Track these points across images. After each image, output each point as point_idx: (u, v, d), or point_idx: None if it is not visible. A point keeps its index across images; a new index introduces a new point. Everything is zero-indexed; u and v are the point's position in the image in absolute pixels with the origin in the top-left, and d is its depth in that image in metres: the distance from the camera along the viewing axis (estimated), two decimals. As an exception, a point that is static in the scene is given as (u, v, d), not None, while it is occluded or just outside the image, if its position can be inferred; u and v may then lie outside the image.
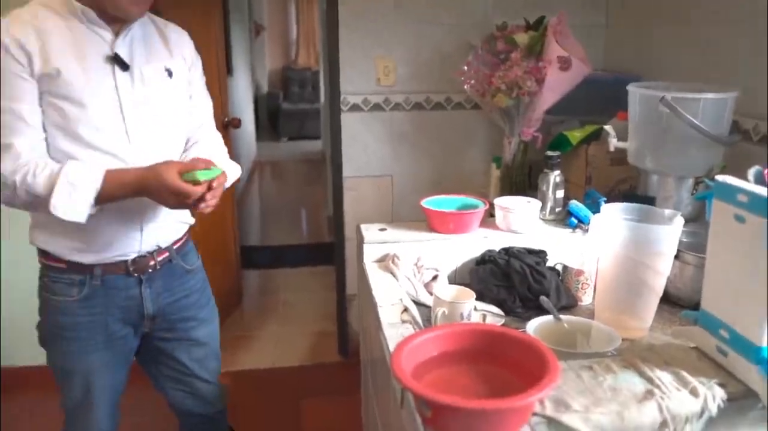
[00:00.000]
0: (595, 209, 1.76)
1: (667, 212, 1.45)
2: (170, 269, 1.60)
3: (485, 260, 1.63)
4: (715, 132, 1.66)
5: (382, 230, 1.74)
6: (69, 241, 1.44)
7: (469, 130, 2.77)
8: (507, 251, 1.63)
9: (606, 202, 1.78)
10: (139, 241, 1.51)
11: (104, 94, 1.38)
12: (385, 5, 2.60)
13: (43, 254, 1.50)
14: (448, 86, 2.65)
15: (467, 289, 1.40)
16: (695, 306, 1.25)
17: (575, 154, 2.21)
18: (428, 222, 1.74)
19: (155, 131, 1.47)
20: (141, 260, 1.52)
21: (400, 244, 1.68)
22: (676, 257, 1.44)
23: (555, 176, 1.84)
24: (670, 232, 1.35)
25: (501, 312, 1.50)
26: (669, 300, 1.53)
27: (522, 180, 2.38)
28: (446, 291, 1.39)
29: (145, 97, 1.44)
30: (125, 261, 1.50)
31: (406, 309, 1.38)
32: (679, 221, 1.38)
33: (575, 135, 2.19)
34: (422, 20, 2.64)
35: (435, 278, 1.61)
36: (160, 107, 1.48)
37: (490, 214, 1.83)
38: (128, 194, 1.36)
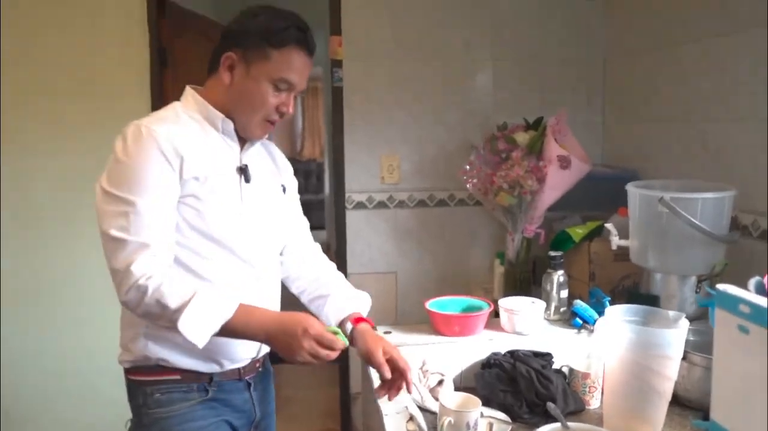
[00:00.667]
0: (600, 309, 1.76)
1: (672, 313, 1.44)
2: (265, 370, 1.60)
3: (491, 363, 1.62)
4: (715, 231, 1.68)
5: (387, 332, 1.73)
6: (188, 351, 1.37)
7: (472, 226, 2.79)
8: (513, 354, 1.61)
9: (610, 302, 1.79)
10: (258, 348, 1.49)
11: (233, 202, 1.39)
12: (389, 106, 2.69)
13: (152, 369, 1.39)
14: (451, 184, 2.69)
15: (473, 397, 1.38)
16: (706, 410, 1.22)
17: (578, 250, 2.22)
18: (433, 324, 1.74)
19: (268, 240, 1.50)
20: (250, 364, 1.50)
21: (406, 347, 1.67)
22: (684, 358, 1.43)
23: (558, 275, 1.84)
24: (676, 336, 1.34)
25: (508, 419, 1.47)
26: (679, 403, 1.50)
27: (526, 277, 2.38)
28: (452, 399, 1.37)
29: (263, 208, 1.47)
30: (242, 367, 1.48)
31: (412, 418, 1.36)
32: (684, 323, 1.38)
33: (578, 232, 2.21)
34: (426, 120, 2.72)
35: (440, 382, 1.59)
36: (275, 219, 1.52)
37: (495, 313, 1.82)
38: (256, 333, 1.30)
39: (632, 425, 1.40)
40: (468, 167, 2.35)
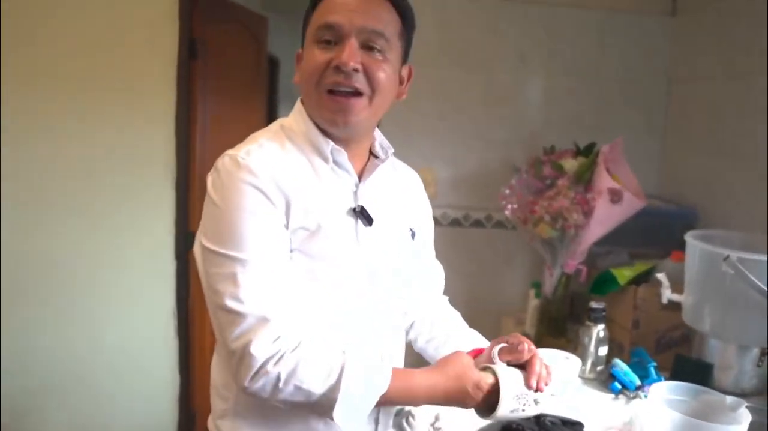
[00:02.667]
0: (642, 373, 1.57)
1: (729, 400, 1.24)
2: None
3: (513, 427, 1.42)
4: (786, 300, 1.45)
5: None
6: None
7: (509, 251, 2.60)
8: (538, 420, 1.42)
9: (656, 364, 1.58)
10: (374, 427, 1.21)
11: (349, 251, 1.10)
12: (428, 116, 2.51)
13: None
14: (490, 204, 2.50)
15: None
16: None
17: (622, 294, 2.02)
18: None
19: (390, 293, 1.19)
20: None
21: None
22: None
23: (599, 330, 1.64)
24: (735, 432, 1.14)
25: (527, 497, 1.28)
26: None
27: (562, 315, 2.18)
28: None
29: (386, 258, 1.15)
30: None
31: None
32: (746, 417, 1.17)
33: (624, 274, 2.00)
34: (467, 134, 2.54)
35: (453, 444, 1.41)
36: (400, 270, 1.20)
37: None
38: (418, 401, 1.12)
39: None
40: (508, 191, 2.15)
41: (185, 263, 2.65)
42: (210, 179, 1.05)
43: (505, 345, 1.17)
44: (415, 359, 1.37)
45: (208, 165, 2.39)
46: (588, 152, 2.18)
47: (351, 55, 1.03)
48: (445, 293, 2.66)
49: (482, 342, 1.31)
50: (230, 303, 0.98)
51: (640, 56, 2.54)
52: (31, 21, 2.45)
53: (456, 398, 1.09)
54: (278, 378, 0.98)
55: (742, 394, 1.53)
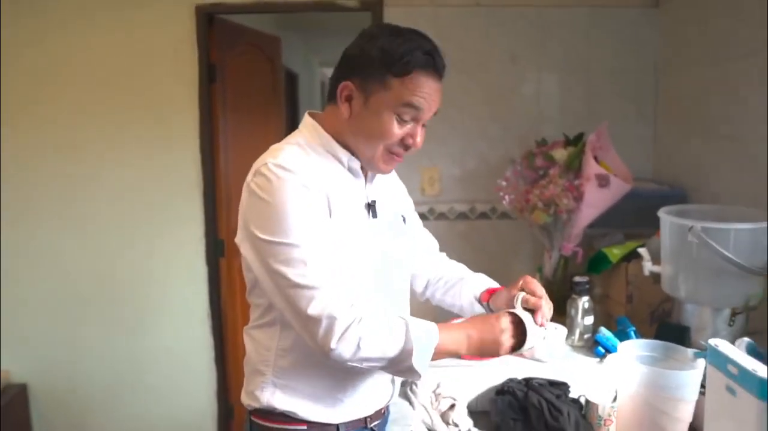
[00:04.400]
0: (624, 339, 1.71)
1: (691, 352, 1.39)
2: (387, 415, 1.49)
3: (505, 390, 1.60)
4: (749, 263, 1.60)
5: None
6: (316, 402, 1.31)
7: (514, 240, 2.76)
8: (527, 382, 1.59)
9: (635, 333, 1.73)
10: (390, 394, 1.42)
11: (362, 241, 1.28)
12: (432, 119, 2.66)
13: (277, 417, 1.32)
14: (493, 196, 2.64)
15: None
16: None
17: (616, 271, 2.16)
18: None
19: (398, 279, 1.41)
20: (377, 412, 1.41)
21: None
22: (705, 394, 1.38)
23: (584, 301, 1.80)
24: (691, 378, 1.30)
25: (516, 450, 1.46)
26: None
27: (563, 295, 2.33)
28: None
29: (388, 244, 1.35)
30: (368, 416, 1.38)
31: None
32: (701, 364, 1.32)
33: (615, 253, 2.15)
34: (468, 133, 2.71)
35: (452, 406, 1.59)
36: (399, 254, 1.40)
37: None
38: (460, 343, 1.25)
39: (643, 465, 1.37)
40: (504, 182, 2.32)
41: (216, 268, 2.88)
42: (255, 183, 1.19)
43: (525, 295, 1.34)
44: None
45: (231, 177, 2.73)
46: (577, 141, 2.33)
47: (422, 139, 1.27)
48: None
49: (491, 283, 1.52)
50: (301, 280, 1.13)
51: (627, 47, 2.68)
52: (62, 52, 2.73)
53: (489, 342, 1.24)
54: (360, 338, 1.14)
55: (703, 348, 1.67)
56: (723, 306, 1.69)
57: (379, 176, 1.38)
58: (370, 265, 1.29)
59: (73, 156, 2.78)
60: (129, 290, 2.89)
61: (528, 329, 1.27)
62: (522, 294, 1.35)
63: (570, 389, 1.59)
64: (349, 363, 1.17)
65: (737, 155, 2.13)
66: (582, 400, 1.58)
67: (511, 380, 1.63)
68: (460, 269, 1.62)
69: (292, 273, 1.14)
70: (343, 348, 1.14)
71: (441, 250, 2.78)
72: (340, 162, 1.28)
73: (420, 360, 1.18)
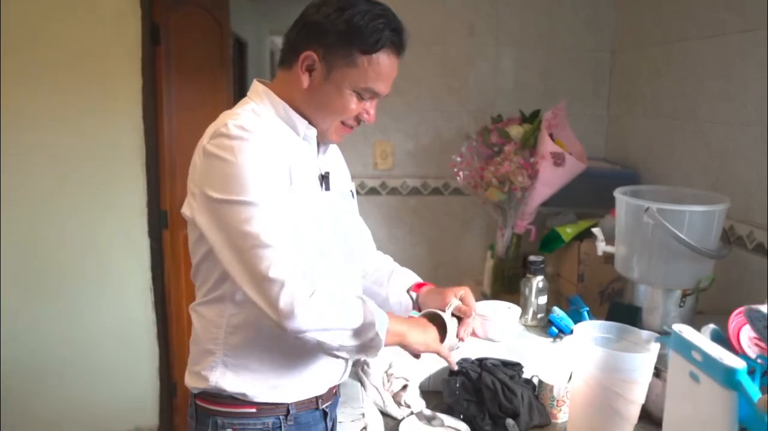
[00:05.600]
0: (578, 319, 1.71)
1: (645, 334, 1.38)
2: (339, 392, 1.44)
3: (458, 370, 1.57)
4: (702, 245, 1.60)
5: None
6: (267, 380, 1.24)
7: (467, 216, 2.73)
8: (481, 362, 1.57)
9: (590, 311, 1.73)
10: (342, 371, 1.36)
11: (317, 213, 1.23)
12: (385, 91, 2.61)
13: (225, 399, 1.25)
14: (447, 172, 2.62)
15: None
16: None
17: (568, 250, 2.16)
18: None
19: (347, 255, 1.34)
20: (329, 392, 1.35)
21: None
22: (658, 376, 1.37)
23: (538, 281, 1.78)
24: (644, 361, 1.29)
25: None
26: (654, 421, 1.45)
27: (515, 273, 2.33)
28: None
29: (341, 218, 1.32)
30: (319, 396, 1.33)
31: (365, 428, 1.33)
32: (655, 347, 1.32)
33: (567, 232, 2.15)
34: (422, 107, 2.65)
35: (405, 387, 1.55)
36: (352, 230, 1.38)
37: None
38: (402, 332, 1.24)
39: (596, 446, 1.36)
40: (459, 158, 2.28)
41: (159, 241, 2.77)
42: (214, 144, 1.12)
43: (459, 304, 1.36)
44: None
45: (176, 146, 2.60)
46: (533, 118, 2.31)
47: (375, 112, 1.26)
48: (410, 258, 2.81)
49: (418, 278, 1.53)
50: (263, 240, 1.07)
51: (585, 25, 2.66)
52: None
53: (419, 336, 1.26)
54: (322, 306, 1.09)
55: (666, 332, 1.69)
56: (675, 287, 1.69)
57: (331, 148, 1.34)
58: (325, 238, 1.24)
59: (9, 122, 2.60)
60: (67, 262, 2.74)
61: (448, 334, 1.30)
62: (457, 303, 1.36)
63: (523, 370, 1.57)
64: (308, 334, 1.10)
65: (689, 137, 2.15)
66: (535, 381, 1.57)
67: (464, 360, 1.60)
68: (391, 261, 1.60)
69: (253, 233, 1.07)
70: (304, 315, 1.07)
71: (395, 225, 2.75)
72: (295, 131, 1.23)
73: (382, 332, 1.15)
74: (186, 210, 1.18)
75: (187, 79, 2.86)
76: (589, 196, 2.34)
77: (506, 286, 2.33)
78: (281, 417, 1.27)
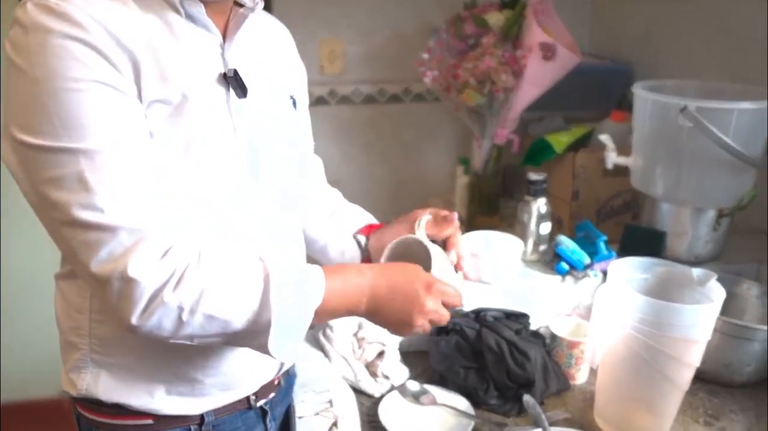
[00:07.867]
0: (591, 250, 1.37)
1: (697, 272, 1.06)
2: (287, 384, 1.06)
3: (449, 328, 1.22)
4: (749, 152, 1.26)
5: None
6: (159, 387, 0.86)
7: (432, 126, 2.35)
8: (478, 316, 1.22)
9: (606, 244, 1.39)
10: (279, 365, 0.97)
11: (222, 130, 0.81)
12: (331, -23, 2.14)
13: (108, 408, 0.87)
14: (407, 75, 2.20)
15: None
16: (723, 383, 1.14)
17: (560, 162, 1.82)
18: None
19: (283, 183, 0.92)
20: (266, 386, 0.97)
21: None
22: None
23: (539, 205, 1.42)
24: (707, 314, 0.97)
25: (470, 409, 1.10)
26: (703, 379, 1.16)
27: (494, 192, 1.98)
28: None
29: (263, 138, 0.87)
30: (249, 396, 0.95)
31: (335, 424, 0.97)
32: (720, 295, 0.99)
33: (561, 140, 1.80)
34: (376, -5, 2.19)
35: (381, 354, 1.20)
36: (282, 156, 0.92)
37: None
38: (357, 304, 0.84)
39: (633, 416, 1.08)
40: (426, 55, 1.87)
41: None
42: (10, 42, 0.70)
43: (430, 217, 0.99)
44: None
45: None
46: (514, 3, 1.88)
47: None
48: (367, 179, 2.42)
49: (372, 219, 1.13)
50: (83, 215, 0.68)
51: None
52: None
53: (399, 289, 0.85)
54: (180, 308, 0.71)
55: (695, 262, 1.38)
56: (708, 206, 1.37)
57: (250, 33, 0.87)
58: (230, 176, 0.82)
59: None
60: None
61: (433, 266, 0.89)
62: (428, 217, 0.99)
63: (530, 321, 1.24)
64: (171, 341, 0.75)
65: (698, 17, 1.78)
66: (544, 332, 1.24)
67: (455, 313, 1.25)
68: (339, 197, 1.19)
69: (73, 202, 0.69)
70: (153, 324, 0.72)
71: (347, 140, 2.28)
72: (171, 6, 0.78)
73: (281, 337, 0.76)
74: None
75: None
76: (578, 97, 2.00)
77: (484, 207, 1.99)
78: (192, 428, 0.89)
